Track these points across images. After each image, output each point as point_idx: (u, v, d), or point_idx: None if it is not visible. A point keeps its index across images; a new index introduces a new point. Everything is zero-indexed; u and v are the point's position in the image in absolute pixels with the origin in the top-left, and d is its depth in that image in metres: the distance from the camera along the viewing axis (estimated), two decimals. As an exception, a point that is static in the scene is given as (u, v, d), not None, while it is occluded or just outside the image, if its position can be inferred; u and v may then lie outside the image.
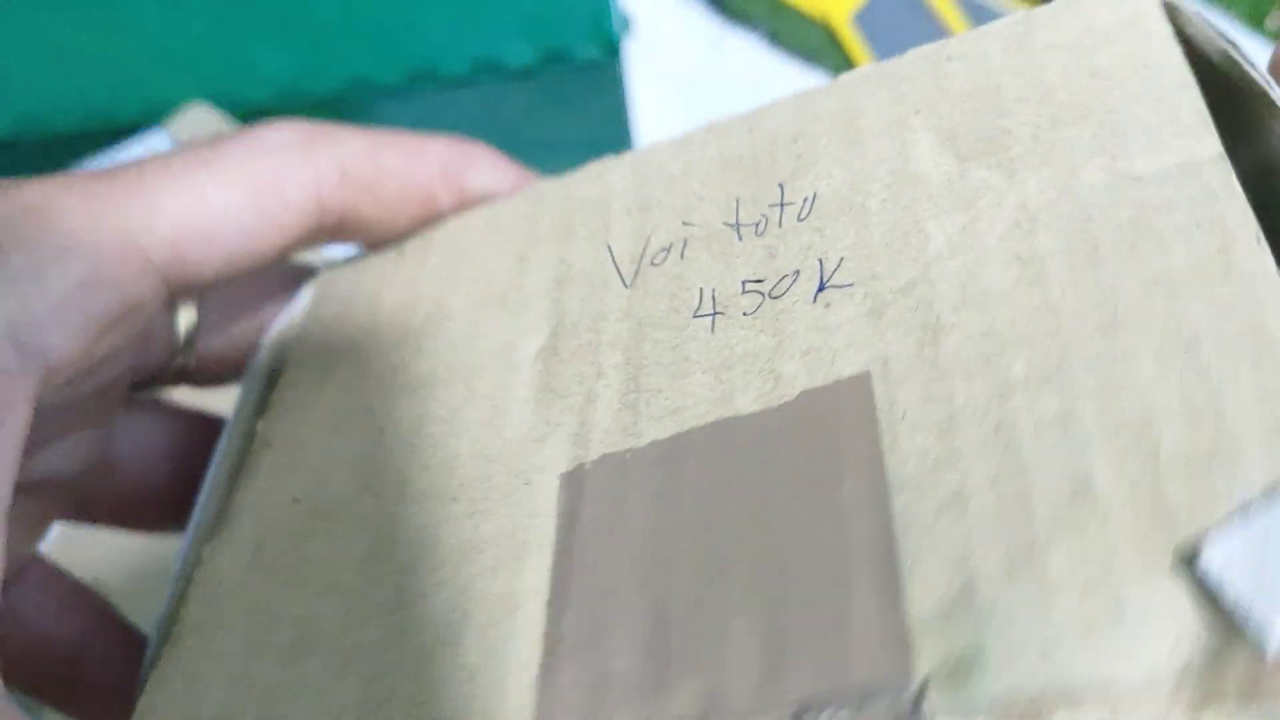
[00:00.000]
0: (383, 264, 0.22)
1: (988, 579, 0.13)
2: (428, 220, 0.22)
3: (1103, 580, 0.12)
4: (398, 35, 0.39)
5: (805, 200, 0.18)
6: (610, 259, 0.19)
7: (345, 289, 0.22)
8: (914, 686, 0.13)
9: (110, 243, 0.17)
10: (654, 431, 0.17)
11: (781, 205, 0.19)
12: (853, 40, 0.48)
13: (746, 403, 0.16)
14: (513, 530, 0.17)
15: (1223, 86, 0.17)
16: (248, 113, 0.36)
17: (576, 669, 0.14)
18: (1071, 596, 0.12)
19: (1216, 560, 0.12)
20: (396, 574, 0.17)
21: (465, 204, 0.22)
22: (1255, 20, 0.55)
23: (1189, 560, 0.12)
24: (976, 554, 0.13)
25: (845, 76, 0.20)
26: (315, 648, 0.16)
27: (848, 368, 0.16)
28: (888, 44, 0.49)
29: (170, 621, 0.18)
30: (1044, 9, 0.19)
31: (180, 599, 0.18)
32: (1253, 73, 0.17)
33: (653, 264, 0.19)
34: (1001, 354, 0.15)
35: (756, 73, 0.48)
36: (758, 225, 0.19)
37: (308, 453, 0.19)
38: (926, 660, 0.13)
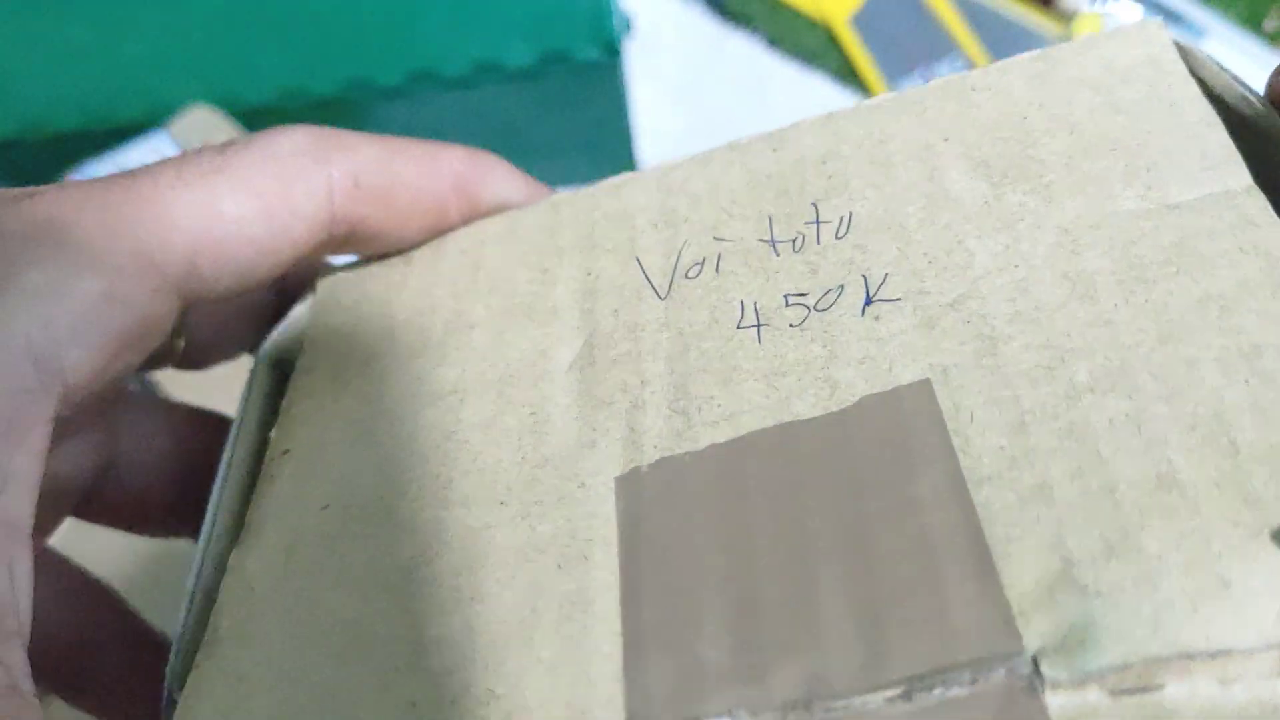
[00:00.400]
0: (390, 272, 0.22)
1: (1086, 560, 0.14)
2: (438, 231, 0.22)
3: (1203, 558, 0.13)
4: (398, 36, 0.39)
5: (842, 219, 0.19)
6: (641, 271, 0.20)
7: (352, 295, 0.22)
8: (1028, 658, 0.13)
9: (127, 259, 0.17)
10: (710, 435, 0.17)
11: (818, 223, 0.19)
12: (851, 41, 0.48)
13: (805, 408, 0.17)
14: (573, 531, 0.17)
15: (1235, 128, 0.18)
16: (249, 113, 0.36)
17: (663, 659, 0.14)
18: (1175, 573, 0.13)
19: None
20: (451, 575, 0.17)
21: (476, 216, 0.22)
22: (1253, 22, 0.56)
23: None
24: (1070, 539, 0.14)
25: (866, 103, 0.21)
26: (373, 646, 0.16)
27: (906, 374, 0.16)
28: (886, 45, 0.49)
29: (194, 627, 0.18)
30: (1062, 48, 0.20)
31: (208, 607, 0.18)
32: (1270, 113, 0.18)
33: (687, 277, 0.19)
34: (1063, 363, 0.16)
35: (756, 74, 0.48)
36: (795, 242, 0.19)
37: (331, 461, 0.19)
38: (1035, 634, 0.13)
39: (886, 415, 0.16)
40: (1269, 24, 0.57)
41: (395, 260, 0.22)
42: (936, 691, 0.13)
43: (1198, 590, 0.13)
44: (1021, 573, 0.14)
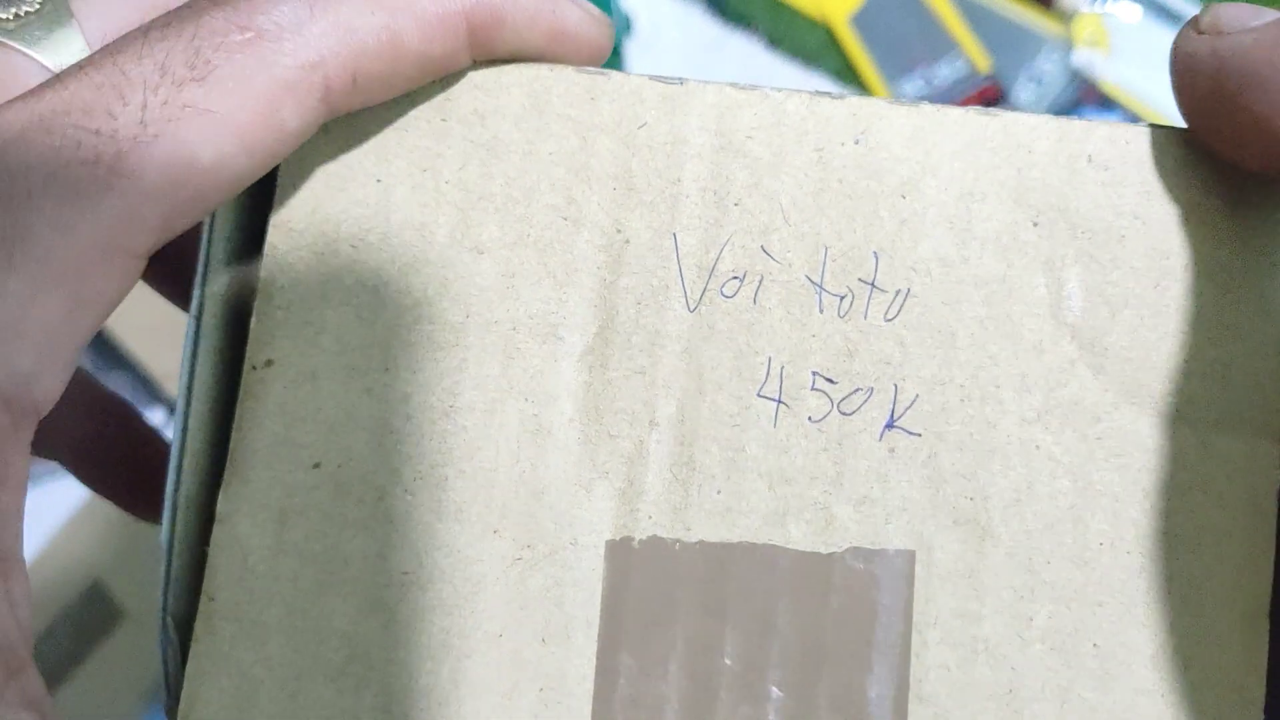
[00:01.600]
0: (384, 131, 0.19)
1: None
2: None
3: None
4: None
5: (898, 294, 0.18)
6: (675, 258, 0.18)
7: (335, 163, 0.19)
8: None
9: (92, 256, 0.15)
10: (703, 528, 0.17)
11: (871, 287, 0.18)
12: (851, 41, 0.48)
13: (798, 535, 0.17)
14: (560, 599, 0.17)
15: None
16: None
17: None
18: None
19: None
20: (442, 612, 0.17)
21: (493, 62, 0.19)
22: None
23: None
24: None
25: (976, 118, 0.18)
26: (369, 679, 0.17)
27: (896, 537, 0.17)
28: (886, 45, 0.48)
29: (178, 566, 0.18)
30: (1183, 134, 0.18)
31: (191, 550, 0.18)
32: None
33: (723, 293, 0.18)
34: (1032, 595, 0.17)
35: (756, 74, 0.47)
36: (842, 301, 0.18)
37: (320, 398, 0.18)
38: None
39: (866, 579, 0.17)
40: None
41: (391, 114, 0.19)
42: None
43: None
44: None
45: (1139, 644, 0.17)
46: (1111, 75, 0.69)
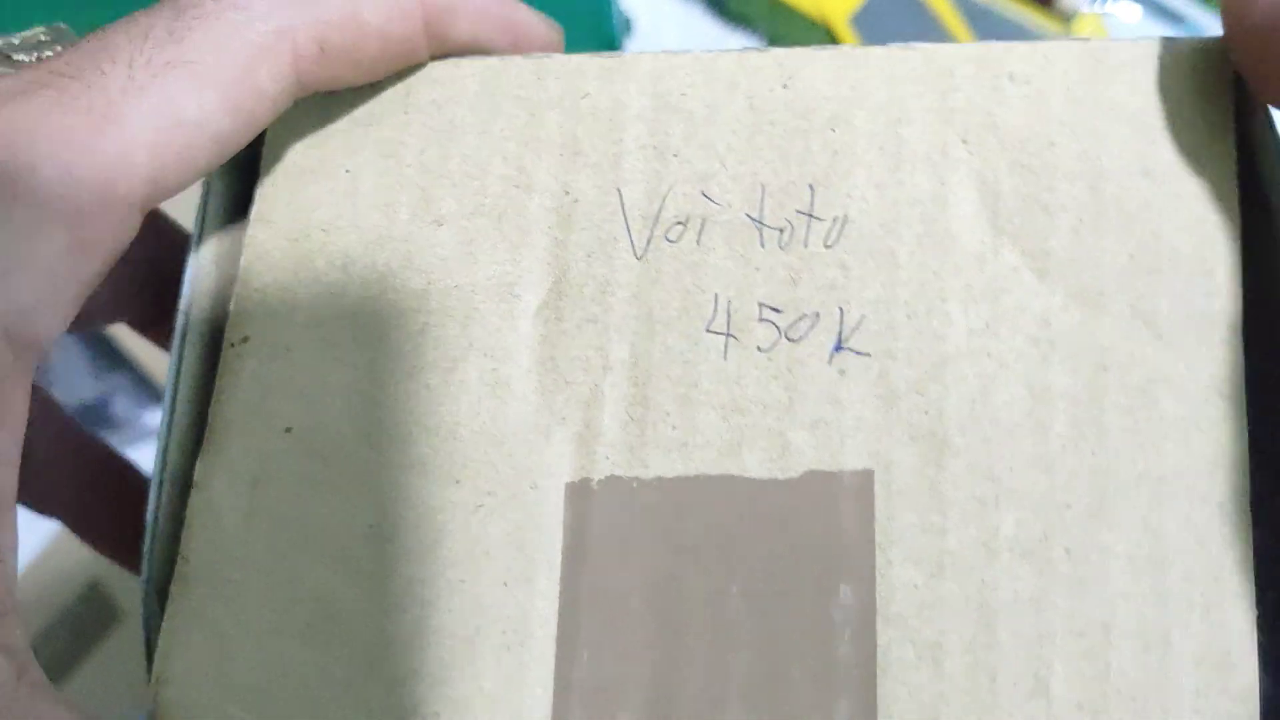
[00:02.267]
0: (352, 128, 0.20)
1: None
2: (406, 67, 0.20)
3: None
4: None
5: (835, 221, 0.18)
6: (621, 210, 0.19)
7: (309, 157, 0.20)
8: None
9: (90, 198, 0.16)
10: (660, 464, 0.18)
11: (810, 217, 0.18)
12: (851, 41, 0.48)
13: (754, 464, 0.17)
14: (521, 542, 0.18)
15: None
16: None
17: (586, 719, 0.16)
18: None
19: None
20: (408, 562, 0.18)
21: (448, 54, 0.20)
22: None
23: None
24: (946, 717, 0.16)
25: (898, 52, 0.19)
26: (338, 633, 0.18)
27: (853, 458, 0.17)
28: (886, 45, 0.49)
29: (165, 523, 0.18)
30: (1117, 47, 0.18)
31: (173, 521, 0.18)
32: None
33: (667, 239, 0.19)
34: (996, 505, 0.17)
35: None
36: (782, 233, 0.18)
37: (294, 367, 0.19)
38: None
39: (826, 502, 0.17)
40: None
41: (363, 103, 0.20)
42: None
43: None
44: None
45: (1113, 545, 0.16)
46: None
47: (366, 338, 0.19)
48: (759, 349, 0.18)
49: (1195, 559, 0.16)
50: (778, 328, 0.18)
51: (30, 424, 0.20)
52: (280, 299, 0.19)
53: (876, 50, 0.19)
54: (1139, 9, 0.55)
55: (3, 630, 0.15)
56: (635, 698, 0.17)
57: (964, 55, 0.19)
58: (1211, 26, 0.58)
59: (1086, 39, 0.19)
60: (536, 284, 0.19)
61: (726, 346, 0.18)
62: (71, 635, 0.54)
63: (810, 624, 0.17)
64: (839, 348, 0.18)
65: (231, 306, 0.19)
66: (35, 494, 0.23)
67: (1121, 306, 0.17)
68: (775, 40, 0.49)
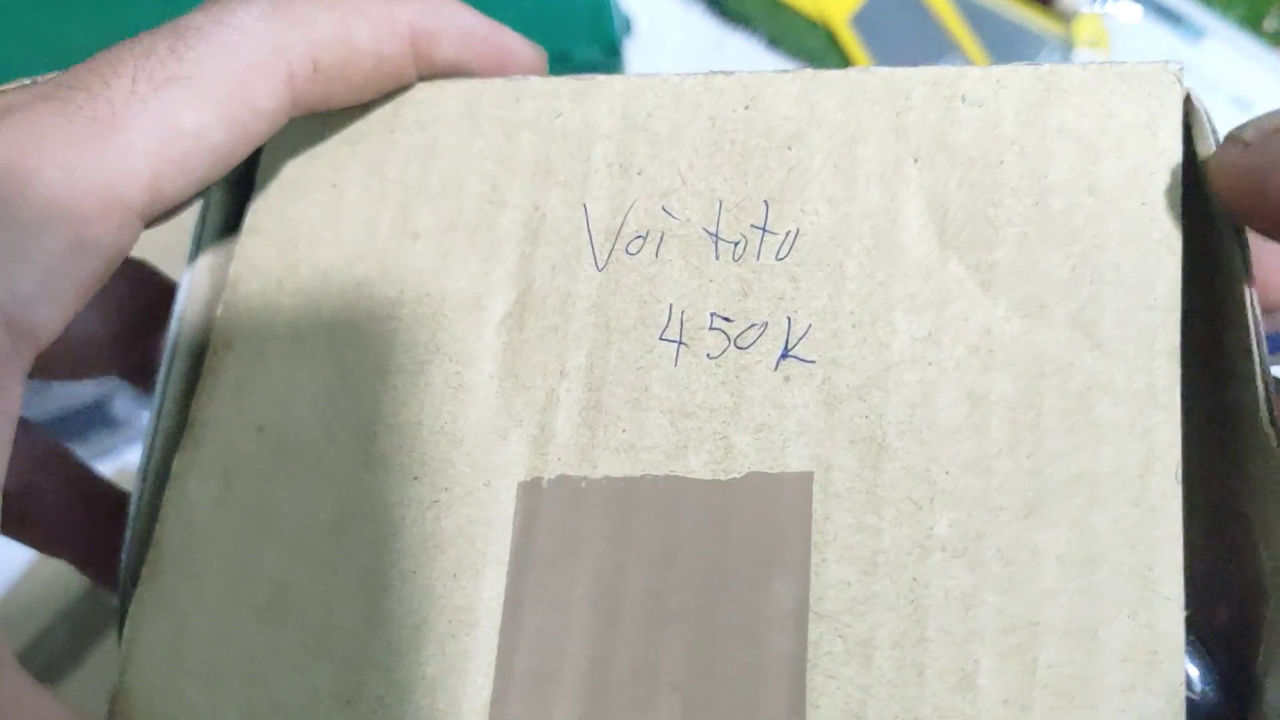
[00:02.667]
0: (341, 145, 0.21)
1: None
2: (394, 87, 0.21)
3: None
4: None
5: (788, 235, 0.19)
6: (585, 225, 0.20)
7: (299, 173, 0.21)
8: None
9: (92, 201, 0.17)
10: (608, 464, 0.18)
11: (764, 231, 0.19)
12: (851, 41, 0.49)
13: (698, 465, 0.18)
14: (472, 537, 0.18)
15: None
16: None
17: (523, 708, 0.17)
18: None
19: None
20: (364, 552, 0.18)
21: (433, 74, 0.21)
22: (1253, 22, 0.54)
23: None
24: (871, 711, 0.16)
25: (856, 75, 0.19)
26: (291, 617, 0.18)
27: (794, 461, 0.18)
28: (886, 45, 0.49)
29: (144, 517, 0.19)
30: (1069, 72, 0.19)
31: (153, 517, 0.19)
32: None
33: (628, 251, 0.19)
34: (930, 505, 0.17)
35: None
36: (736, 246, 0.19)
37: (270, 371, 0.20)
38: None
39: (765, 503, 0.18)
40: (1269, 24, 0.54)
41: (350, 125, 0.21)
42: None
43: None
44: None
45: (1045, 545, 0.16)
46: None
47: (339, 342, 0.20)
48: (708, 356, 0.18)
49: (1125, 559, 0.16)
50: (728, 336, 0.18)
51: (30, 462, 0.21)
52: (264, 307, 0.20)
53: (835, 73, 0.19)
54: (1139, 9, 0.55)
55: None
56: (571, 687, 0.17)
57: (920, 78, 0.19)
58: (1210, 26, 0.57)
59: (1038, 65, 0.19)
60: (503, 295, 0.19)
61: (678, 354, 0.19)
62: (71, 635, 0.55)
63: (743, 618, 0.17)
64: (785, 355, 0.18)
65: (219, 313, 0.20)
66: (43, 537, 0.23)
67: (1062, 317, 0.17)
68: (775, 40, 0.50)
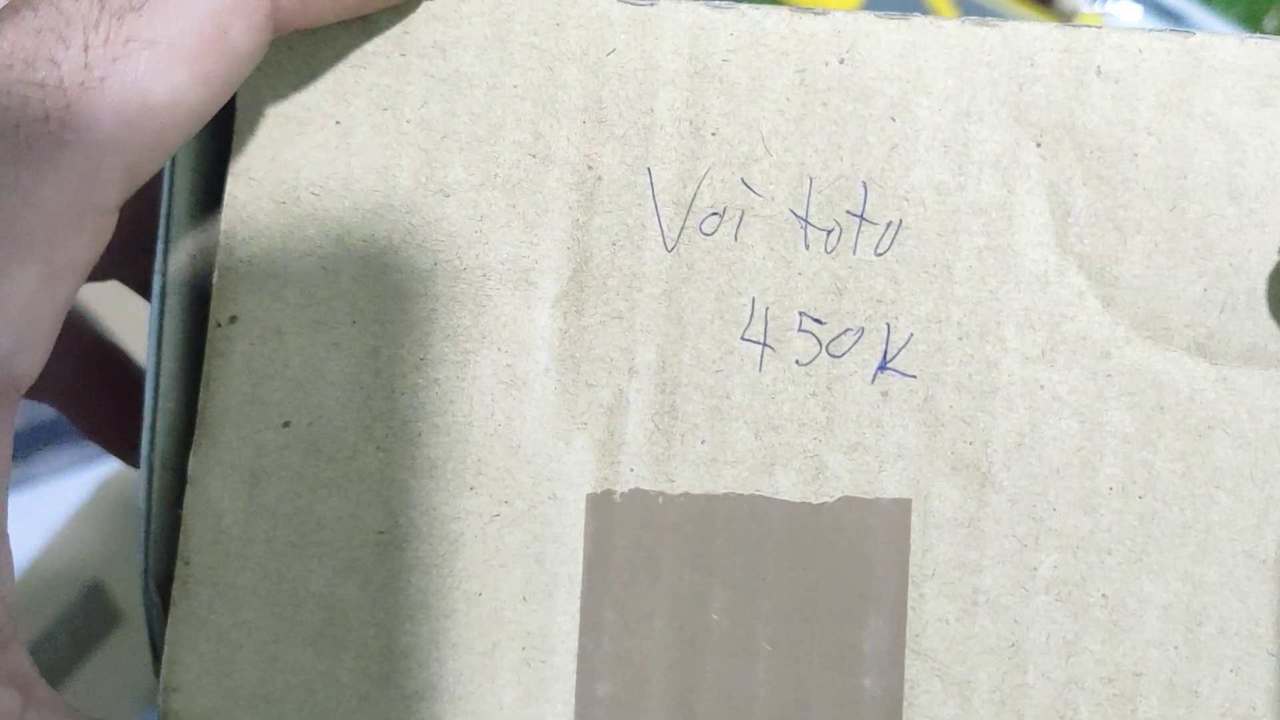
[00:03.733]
0: (342, 71, 0.18)
1: None
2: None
3: None
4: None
5: (889, 226, 0.17)
6: (651, 195, 0.17)
7: (292, 104, 0.18)
8: None
9: (61, 221, 0.14)
10: (688, 479, 0.17)
11: (861, 220, 0.17)
12: None
13: (787, 485, 0.17)
14: (540, 555, 0.17)
15: None
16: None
17: None
18: None
19: None
20: (419, 571, 0.17)
21: None
22: (1253, 21, 0.52)
23: None
24: None
25: (973, 30, 0.17)
26: (347, 640, 0.17)
27: (891, 486, 0.17)
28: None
29: (156, 528, 0.17)
30: (1226, 46, 0.17)
31: (167, 512, 0.17)
32: None
33: (701, 230, 0.17)
34: (1036, 544, 0.16)
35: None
36: (829, 236, 0.17)
37: (287, 353, 0.17)
38: None
39: (860, 531, 0.17)
40: (1269, 23, 0.53)
41: (347, 53, 0.18)
42: None
43: None
44: None
45: (1150, 594, 0.16)
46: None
47: (366, 321, 0.17)
48: (797, 362, 0.17)
49: (1232, 613, 0.16)
50: (819, 340, 0.17)
51: None
52: (269, 273, 0.17)
53: (948, 25, 0.17)
54: (1139, 8, 0.54)
55: (5, 659, 0.15)
56: (656, 718, 0.16)
57: (1048, 40, 0.17)
58: (1210, 25, 0.57)
59: (1186, 33, 0.17)
60: (555, 271, 0.17)
61: (763, 357, 0.17)
62: (71, 635, 0.54)
63: (837, 653, 0.16)
64: (883, 367, 0.17)
65: (215, 279, 0.17)
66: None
67: (1188, 342, 0.16)
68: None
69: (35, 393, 0.22)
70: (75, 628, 0.53)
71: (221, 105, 0.16)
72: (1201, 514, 0.16)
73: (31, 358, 0.15)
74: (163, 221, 0.18)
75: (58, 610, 0.53)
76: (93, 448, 0.39)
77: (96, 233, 0.15)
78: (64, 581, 0.53)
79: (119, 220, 0.20)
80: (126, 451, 0.23)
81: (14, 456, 0.16)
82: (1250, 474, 0.16)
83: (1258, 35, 0.17)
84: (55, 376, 0.22)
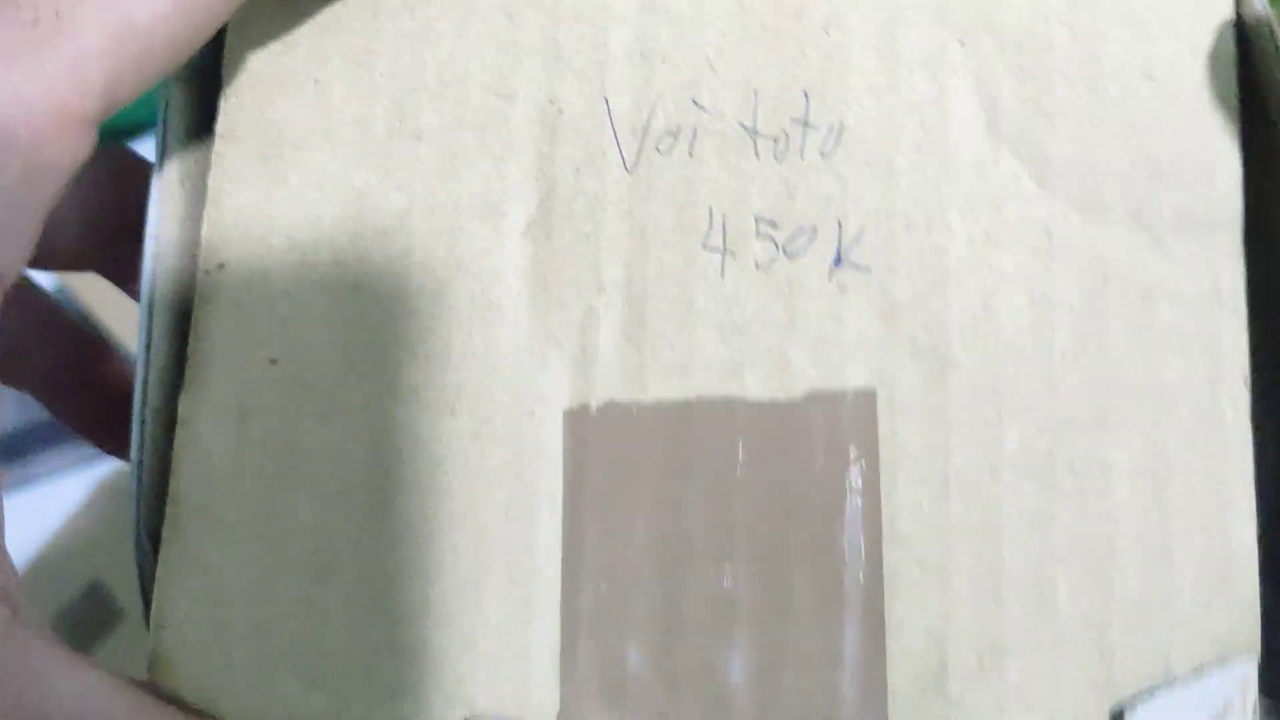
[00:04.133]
0: (319, 34, 0.19)
1: (959, 669, 0.16)
2: None
3: (1049, 706, 0.16)
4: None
5: (831, 130, 0.18)
6: (609, 122, 0.18)
7: (274, 67, 0.19)
8: None
9: (44, 121, 0.15)
10: (659, 387, 0.17)
11: (805, 125, 0.18)
12: None
13: (755, 384, 0.17)
14: (521, 472, 0.17)
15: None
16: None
17: (594, 653, 0.17)
18: (1021, 710, 0.16)
19: None
20: (404, 495, 0.17)
21: None
22: None
23: (1118, 715, 0.16)
24: (951, 640, 0.16)
25: None
26: (337, 569, 0.17)
27: (856, 376, 0.17)
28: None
29: (148, 479, 0.18)
30: None
31: (160, 465, 0.18)
32: None
33: (658, 150, 0.18)
34: (999, 421, 0.17)
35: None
36: (776, 143, 0.18)
37: (273, 295, 0.18)
38: None
39: (829, 423, 0.17)
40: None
41: (323, 17, 0.19)
42: None
43: None
44: (906, 661, 0.16)
45: (1115, 460, 0.16)
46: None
47: (346, 260, 0.18)
48: (756, 265, 0.17)
49: (1196, 472, 0.16)
50: (775, 243, 0.17)
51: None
52: (254, 222, 0.18)
53: None
54: None
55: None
56: (642, 628, 0.17)
57: None
58: None
59: None
60: (524, 200, 0.18)
61: (724, 264, 0.17)
62: (71, 635, 0.54)
63: (816, 547, 0.17)
64: (838, 262, 0.17)
65: (204, 231, 0.18)
66: (7, 366, 0.22)
67: (1122, 214, 0.17)
68: None
69: (17, 381, 0.23)
70: (75, 627, 0.53)
71: (201, 43, 0.17)
72: (1155, 376, 0.16)
73: (13, 248, 0.15)
74: (154, 186, 0.19)
75: (58, 610, 0.53)
76: (92, 448, 0.40)
77: (77, 144, 0.16)
78: (64, 581, 0.53)
79: (100, 211, 0.21)
80: (107, 440, 0.24)
81: (14, 456, 0.17)
82: (1196, 334, 0.16)
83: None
84: (37, 365, 0.23)
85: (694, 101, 0.18)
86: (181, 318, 0.19)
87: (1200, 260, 0.17)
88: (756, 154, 0.18)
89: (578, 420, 0.17)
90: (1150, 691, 0.16)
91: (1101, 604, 0.16)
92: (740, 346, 0.17)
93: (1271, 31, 0.17)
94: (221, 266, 0.18)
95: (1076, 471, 0.16)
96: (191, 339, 0.18)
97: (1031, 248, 0.17)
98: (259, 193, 0.18)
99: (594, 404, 0.17)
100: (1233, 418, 0.16)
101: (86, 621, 0.54)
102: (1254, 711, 0.16)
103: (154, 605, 0.17)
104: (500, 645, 0.17)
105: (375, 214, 0.18)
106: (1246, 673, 0.16)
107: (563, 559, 0.17)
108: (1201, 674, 0.16)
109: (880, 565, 0.16)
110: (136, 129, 0.39)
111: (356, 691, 0.17)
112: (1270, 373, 0.18)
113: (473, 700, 0.17)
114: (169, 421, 0.18)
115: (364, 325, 0.18)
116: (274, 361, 0.18)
